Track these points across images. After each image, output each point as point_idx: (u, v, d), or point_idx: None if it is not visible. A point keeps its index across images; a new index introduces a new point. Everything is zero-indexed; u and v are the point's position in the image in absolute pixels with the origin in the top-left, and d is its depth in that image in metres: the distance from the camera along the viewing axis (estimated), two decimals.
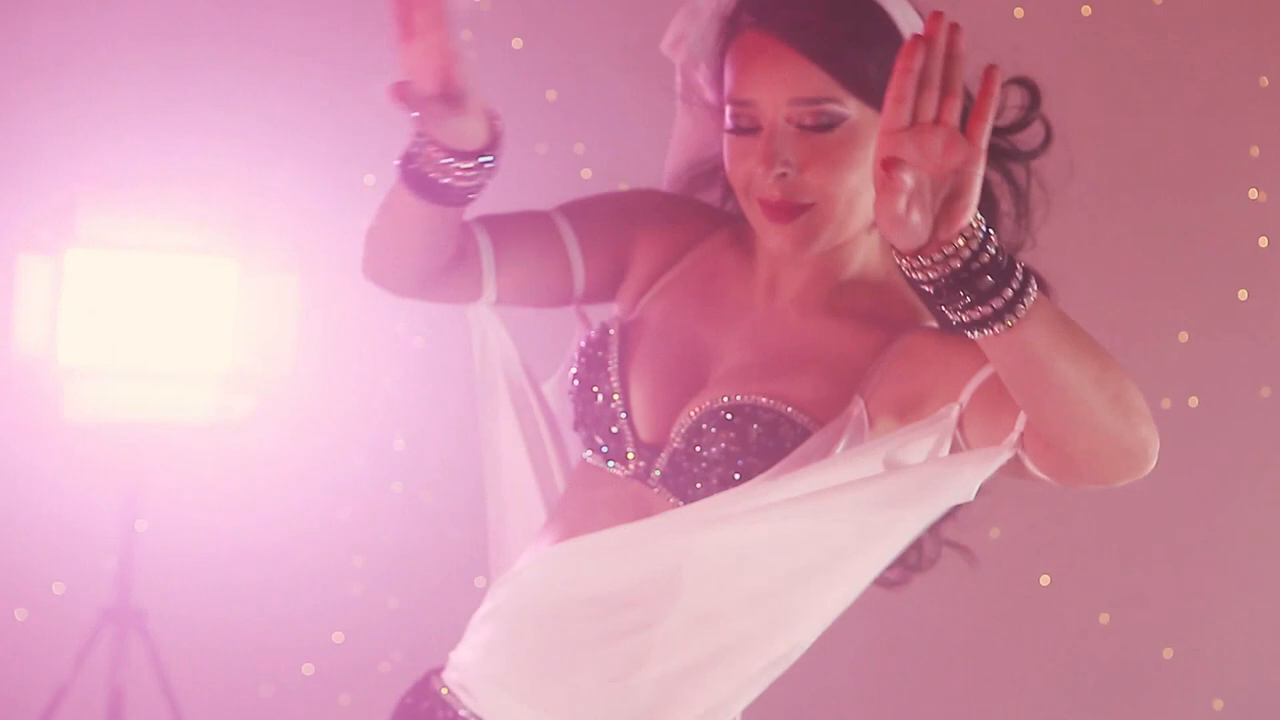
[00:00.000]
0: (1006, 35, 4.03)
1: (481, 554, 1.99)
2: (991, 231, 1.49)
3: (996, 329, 1.51)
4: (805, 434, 1.71)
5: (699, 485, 1.74)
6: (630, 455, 1.79)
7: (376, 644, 3.92)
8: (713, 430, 1.74)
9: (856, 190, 1.72)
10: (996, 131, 1.76)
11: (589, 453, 1.84)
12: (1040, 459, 1.65)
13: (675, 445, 1.76)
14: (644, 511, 1.77)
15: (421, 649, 3.91)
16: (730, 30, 1.75)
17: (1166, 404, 4.15)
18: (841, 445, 1.70)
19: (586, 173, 3.95)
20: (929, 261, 1.49)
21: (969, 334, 1.53)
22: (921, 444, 1.68)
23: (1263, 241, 4.16)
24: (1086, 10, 4.08)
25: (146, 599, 3.66)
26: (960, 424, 1.68)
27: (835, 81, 1.70)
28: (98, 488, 3.71)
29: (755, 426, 1.72)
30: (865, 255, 1.81)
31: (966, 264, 1.49)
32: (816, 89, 1.70)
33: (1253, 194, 4.15)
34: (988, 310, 1.51)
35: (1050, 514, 4.14)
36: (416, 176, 1.71)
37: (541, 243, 1.87)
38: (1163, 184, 4.14)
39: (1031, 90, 1.83)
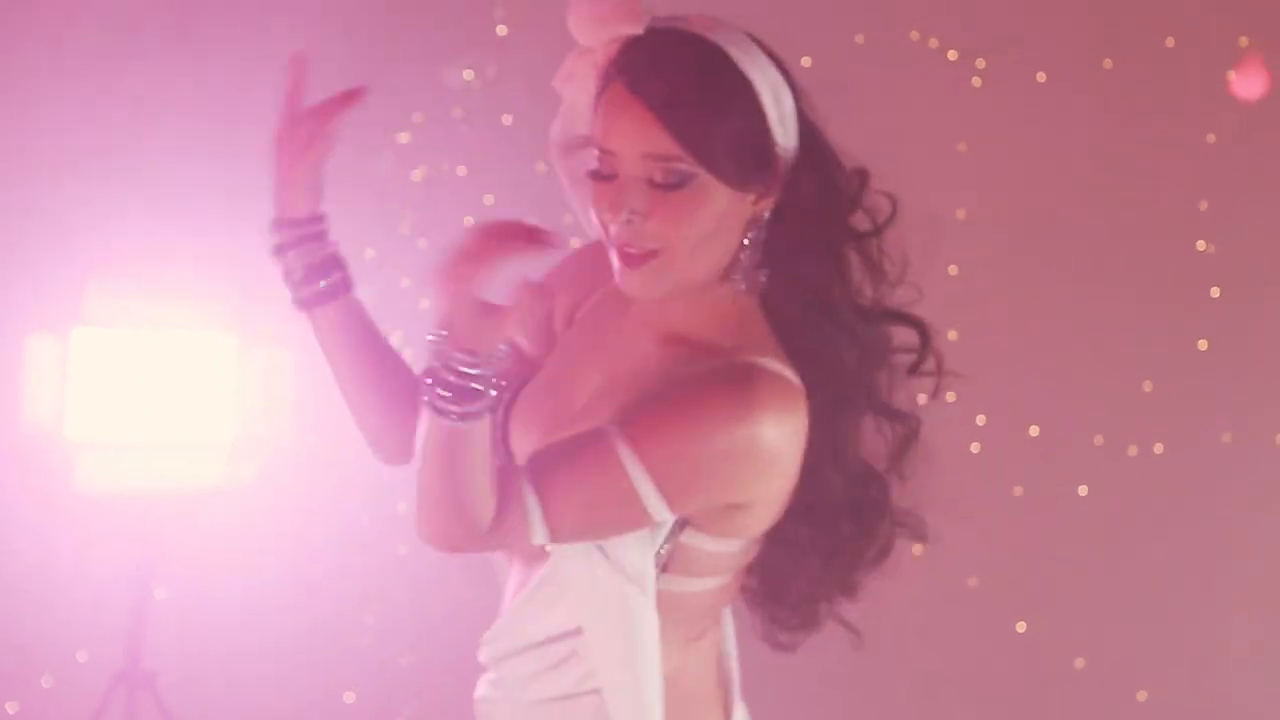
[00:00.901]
0: (963, 102, 4.23)
1: (489, 610, 2.05)
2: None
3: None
4: None
5: None
6: None
7: (387, 703, 4.01)
8: None
9: (701, 242, 1.79)
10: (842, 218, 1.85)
11: None
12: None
13: None
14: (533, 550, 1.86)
15: (431, 707, 4.03)
16: (604, 80, 1.82)
17: (1133, 451, 4.29)
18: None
19: (574, 241, 4.11)
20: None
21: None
22: None
23: (1214, 292, 4.34)
24: (1042, 77, 4.25)
25: (158, 662, 3.75)
26: None
27: (681, 145, 1.76)
28: (109, 556, 3.80)
29: None
30: (718, 296, 1.87)
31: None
32: (663, 149, 1.77)
33: (1200, 245, 4.33)
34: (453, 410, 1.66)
35: (1028, 565, 4.26)
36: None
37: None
38: (1119, 239, 4.30)
39: (861, 176, 1.86)
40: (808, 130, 1.84)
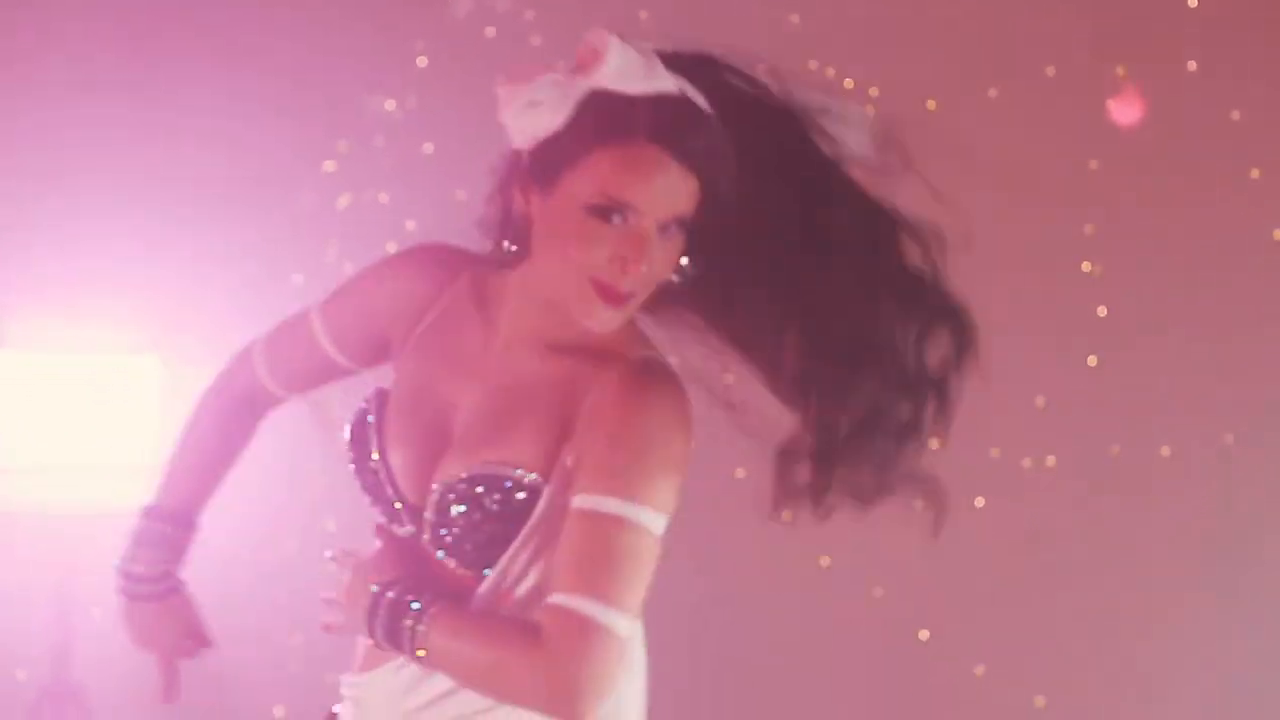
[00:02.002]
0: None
1: None
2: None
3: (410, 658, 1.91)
4: (536, 490, 1.88)
5: (466, 547, 1.91)
6: (402, 517, 1.97)
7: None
8: (455, 501, 1.90)
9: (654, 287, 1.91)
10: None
11: (379, 516, 2.01)
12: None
13: (429, 516, 1.93)
14: (424, 566, 1.95)
15: None
16: (613, 128, 1.85)
17: (1027, 463, 4.40)
18: (563, 498, 1.87)
19: None
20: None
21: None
22: None
23: (1101, 311, 4.48)
24: (931, 104, 4.36)
25: (85, 677, 3.81)
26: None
27: (701, 198, 1.87)
28: (34, 576, 3.85)
29: (493, 495, 1.89)
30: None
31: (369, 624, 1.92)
32: (689, 203, 1.86)
33: (1086, 267, 4.47)
34: (399, 651, 1.90)
35: (929, 575, 4.36)
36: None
37: (301, 343, 2.08)
38: (1008, 261, 4.40)
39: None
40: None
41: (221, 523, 3.96)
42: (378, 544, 1.99)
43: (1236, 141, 4.40)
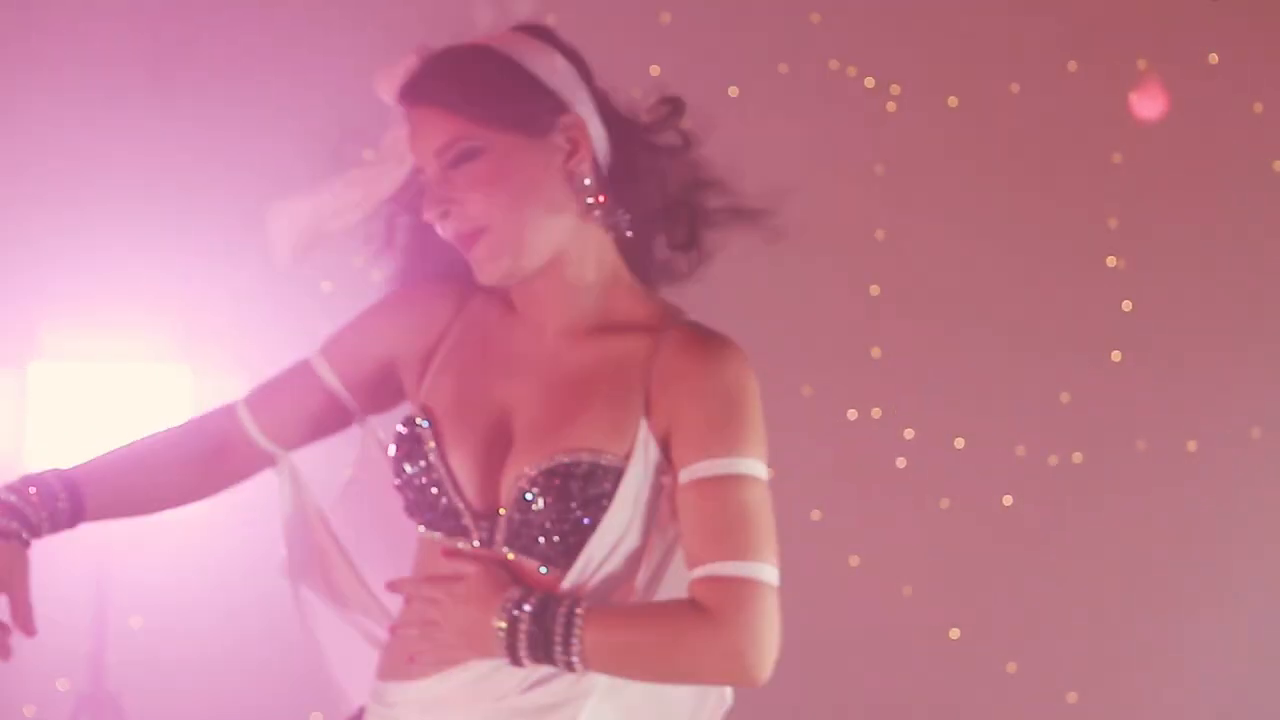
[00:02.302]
0: (879, 126, 4.36)
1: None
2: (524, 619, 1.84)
3: (564, 668, 1.86)
4: (618, 471, 1.88)
5: (541, 540, 1.90)
6: (471, 529, 1.92)
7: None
8: (537, 494, 1.89)
9: (520, 208, 1.90)
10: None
11: (431, 532, 1.96)
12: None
13: (510, 515, 1.90)
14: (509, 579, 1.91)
15: None
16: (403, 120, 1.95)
17: (1053, 460, 4.40)
18: (646, 473, 1.88)
19: None
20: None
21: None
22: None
23: (1126, 305, 4.49)
24: (953, 101, 4.38)
25: (122, 685, 3.82)
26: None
27: (458, 116, 1.89)
28: (72, 584, 3.85)
29: (574, 483, 1.88)
30: (597, 260, 1.95)
31: (511, 647, 1.84)
32: (448, 133, 1.89)
33: (1111, 261, 4.48)
34: (550, 663, 1.85)
35: (959, 574, 4.36)
36: None
37: (300, 390, 2.03)
38: (1033, 256, 4.39)
39: (674, 103, 1.99)
40: (601, 101, 1.96)
41: (248, 531, 4.01)
42: (439, 565, 1.95)
43: (1259, 133, 4.41)
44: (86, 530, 3.75)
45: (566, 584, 1.90)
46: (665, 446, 1.90)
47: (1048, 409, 4.40)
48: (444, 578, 1.91)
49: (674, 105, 1.97)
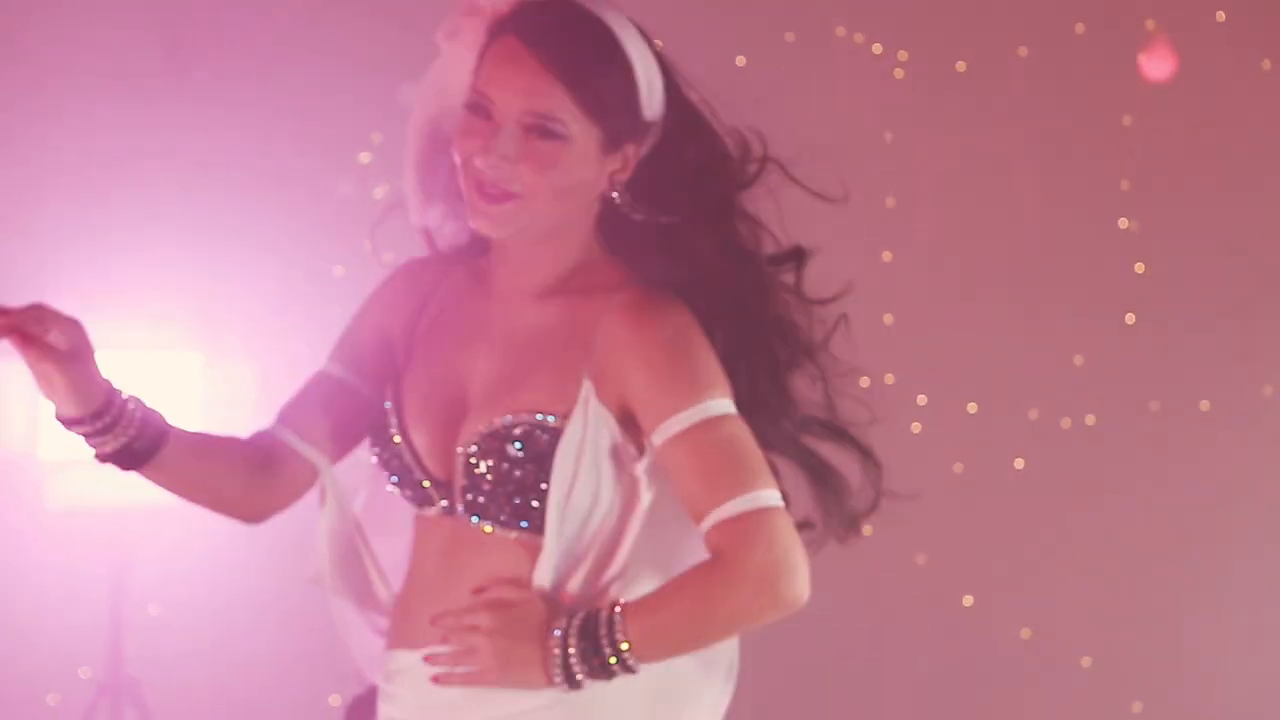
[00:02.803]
0: (888, 93, 4.36)
1: None
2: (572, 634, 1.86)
3: (622, 671, 1.87)
4: (556, 431, 1.90)
5: (493, 504, 1.92)
6: (432, 495, 1.97)
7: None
8: (480, 457, 1.92)
9: (561, 194, 1.91)
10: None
11: (414, 507, 2.00)
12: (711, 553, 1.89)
13: (461, 481, 1.94)
14: (464, 546, 1.94)
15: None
16: (495, 31, 1.92)
17: (1066, 423, 4.42)
18: (587, 432, 1.89)
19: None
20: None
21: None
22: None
23: (1139, 268, 4.49)
24: (961, 66, 4.39)
25: (141, 673, 3.85)
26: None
27: (571, 102, 1.89)
28: (88, 571, 3.89)
29: (512, 445, 1.91)
30: (581, 245, 1.98)
31: (562, 667, 1.86)
32: (549, 105, 1.89)
33: (1123, 223, 4.48)
34: (606, 672, 1.87)
35: (972, 540, 4.39)
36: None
37: (322, 396, 2.03)
38: (1044, 220, 4.43)
39: (749, 138, 1.99)
40: (683, 106, 1.96)
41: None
42: (416, 534, 1.99)
43: (1269, 91, 4.40)
44: (103, 518, 3.79)
45: (545, 553, 1.91)
46: (627, 417, 1.91)
47: (1061, 372, 4.41)
48: (489, 604, 1.91)
49: (750, 141, 1.98)
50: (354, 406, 2.03)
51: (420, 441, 1.98)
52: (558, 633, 1.88)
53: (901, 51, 4.36)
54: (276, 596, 3.92)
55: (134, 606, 3.95)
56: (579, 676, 1.88)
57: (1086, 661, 4.40)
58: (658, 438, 1.89)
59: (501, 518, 1.93)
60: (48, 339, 1.85)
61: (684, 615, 1.86)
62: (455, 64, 1.97)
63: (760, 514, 1.86)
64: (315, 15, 4.11)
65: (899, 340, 4.38)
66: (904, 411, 4.36)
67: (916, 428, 4.39)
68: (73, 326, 1.87)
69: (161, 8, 4.06)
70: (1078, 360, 4.43)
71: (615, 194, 1.95)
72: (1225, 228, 4.45)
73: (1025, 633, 4.40)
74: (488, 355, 1.97)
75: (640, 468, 1.92)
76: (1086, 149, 4.42)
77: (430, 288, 2.05)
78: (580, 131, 1.91)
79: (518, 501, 1.92)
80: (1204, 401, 4.44)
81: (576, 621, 1.88)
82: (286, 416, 2.04)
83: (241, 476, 2.01)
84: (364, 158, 4.20)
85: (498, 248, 1.99)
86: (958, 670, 4.42)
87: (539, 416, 1.91)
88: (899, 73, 4.38)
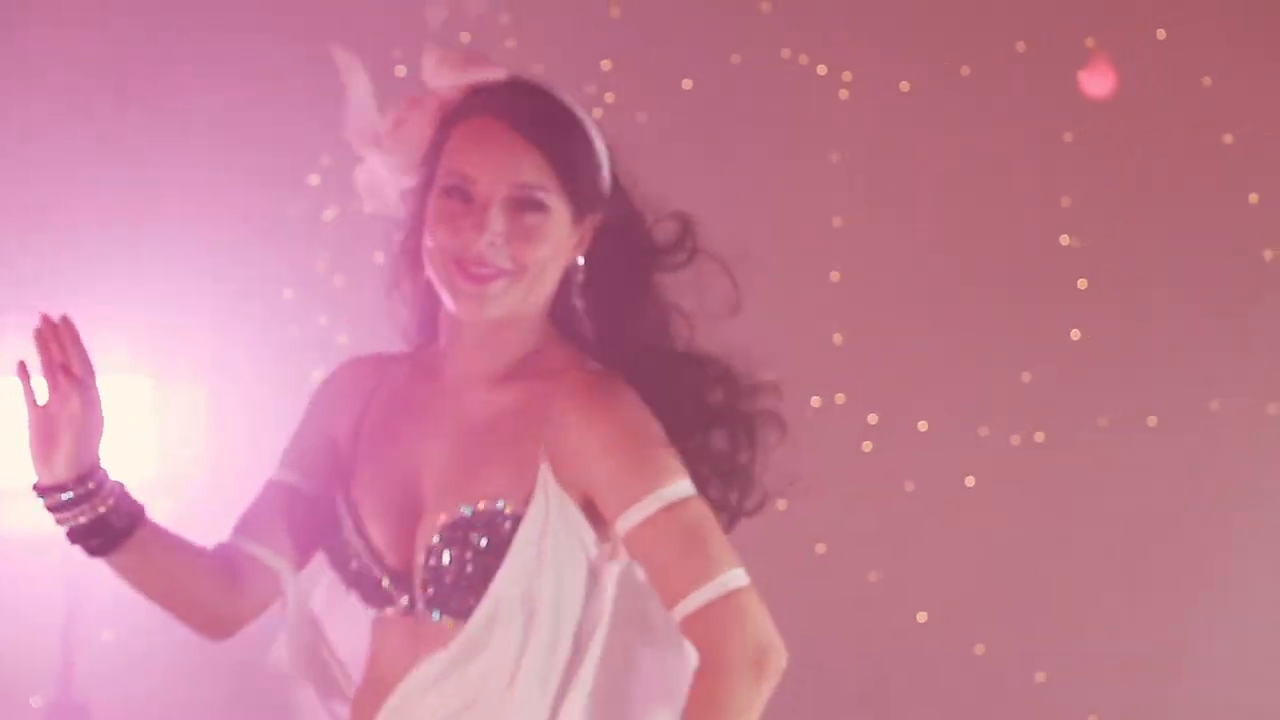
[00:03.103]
0: (833, 114, 4.40)
1: None
2: None
3: None
4: (518, 516, 1.91)
5: (455, 597, 1.92)
6: (393, 594, 1.96)
7: None
8: (444, 552, 1.92)
9: (543, 268, 1.94)
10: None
11: (369, 610, 1.99)
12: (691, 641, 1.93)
13: (421, 575, 1.93)
14: (423, 642, 1.93)
15: None
16: (455, 117, 1.95)
17: (1015, 440, 4.45)
18: (550, 516, 1.90)
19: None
20: None
21: None
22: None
23: (1082, 284, 4.52)
24: (905, 86, 4.43)
25: (93, 699, 3.84)
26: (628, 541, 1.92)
27: (552, 171, 1.92)
28: (37, 597, 3.89)
29: (475, 535, 1.91)
30: (540, 328, 1.99)
31: None
32: (535, 176, 1.92)
33: (1064, 240, 4.52)
34: None
35: (925, 557, 4.41)
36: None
37: (275, 503, 2.02)
38: (989, 238, 4.46)
39: (684, 223, 2.02)
40: (617, 187, 2.00)
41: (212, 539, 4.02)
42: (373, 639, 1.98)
43: (1208, 107, 4.45)
44: (55, 544, 3.77)
45: (471, 625, 1.91)
46: (587, 503, 1.93)
47: (1009, 389, 4.44)
48: None
49: (685, 225, 2.02)
50: (309, 511, 2.01)
51: (378, 537, 1.97)
52: None
53: (846, 72, 4.39)
54: None
55: (87, 633, 3.94)
56: None
57: (1041, 677, 4.42)
58: (622, 525, 1.91)
59: (463, 611, 1.92)
60: (90, 392, 1.89)
61: None
62: (390, 163, 2.00)
63: (730, 600, 1.90)
64: (264, 38, 4.13)
65: (849, 360, 4.41)
66: (855, 431, 4.39)
67: (868, 446, 4.41)
68: (91, 385, 1.91)
69: (111, 31, 4.07)
70: (1025, 377, 4.46)
71: (580, 261, 1.97)
72: (1167, 242, 4.49)
73: (979, 649, 4.42)
74: (441, 446, 1.97)
75: (612, 570, 1.93)
76: (1028, 166, 4.46)
77: (373, 384, 2.04)
78: (557, 204, 1.94)
79: (476, 590, 1.91)
80: (1151, 417, 4.47)
81: None
82: (245, 527, 2.02)
83: (210, 581, 1.99)
84: (314, 179, 4.21)
85: (454, 335, 1.98)
86: (911, 687, 4.44)
87: (499, 504, 1.91)
88: (844, 93, 4.41)
